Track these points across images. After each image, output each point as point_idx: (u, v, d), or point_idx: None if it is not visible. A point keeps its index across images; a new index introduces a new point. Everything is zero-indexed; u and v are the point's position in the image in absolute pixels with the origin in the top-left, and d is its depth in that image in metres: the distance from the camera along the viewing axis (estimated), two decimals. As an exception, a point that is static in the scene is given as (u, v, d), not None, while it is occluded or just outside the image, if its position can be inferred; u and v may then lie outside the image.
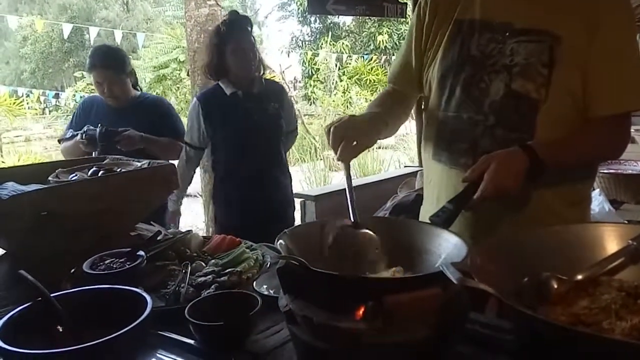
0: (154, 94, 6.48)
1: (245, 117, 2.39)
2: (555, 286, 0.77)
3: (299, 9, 15.11)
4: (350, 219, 1.03)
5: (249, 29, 2.41)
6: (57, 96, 12.60)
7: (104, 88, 2.45)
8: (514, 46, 1.16)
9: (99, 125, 2.31)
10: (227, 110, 2.39)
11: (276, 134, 2.52)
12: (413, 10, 2.06)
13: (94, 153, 2.26)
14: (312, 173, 6.75)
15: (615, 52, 1.13)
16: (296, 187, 6.82)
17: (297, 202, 3.17)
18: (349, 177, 1.10)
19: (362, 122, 1.19)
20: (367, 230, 1.01)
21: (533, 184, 1.11)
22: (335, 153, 1.12)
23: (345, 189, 1.06)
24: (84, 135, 2.32)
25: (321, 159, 8.89)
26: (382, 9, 3.32)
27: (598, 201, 2.18)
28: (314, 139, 9.90)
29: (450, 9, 1.27)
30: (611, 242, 0.84)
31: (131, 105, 2.52)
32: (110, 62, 2.45)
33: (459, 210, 1.06)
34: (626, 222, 2.08)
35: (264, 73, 2.51)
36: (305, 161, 8.90)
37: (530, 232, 0.87)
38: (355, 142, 1.12)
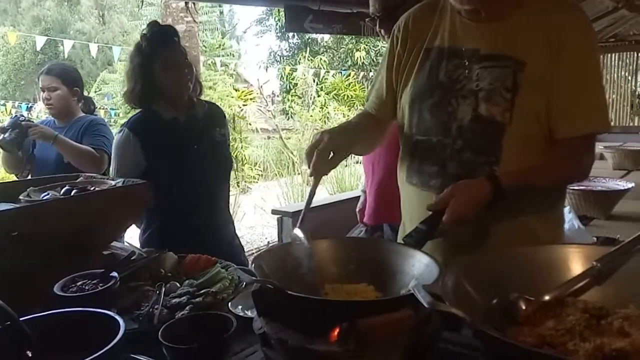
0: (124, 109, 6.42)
1: (189, 146, 2.04)
2: (523, 307, 0.79)
3: (277, 24, 15.21)
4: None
5: (177, 39, 2.05)
6: (29, 109, 12.36)
7: (45, 95, 2.53)
8: (480, 71, 1.20)
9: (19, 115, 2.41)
10: (167, 140, 2.01)
11: (224, 164, 2.21)
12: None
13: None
14: (289, 188, 6.75)
15: (577, 76, 1.17)
16: (274, 203, 6.83)
17: (274, 218, 3.19)
18: (312, 194, 1.12)
19: (337, 132, 1.20)
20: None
21: (491, 212, 1.13)
22: (309, 167, 1.12)
23: (319, 204, 1.07)
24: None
25: (299, 174, 8.91)
26: (358, 27, 3.37)
27: (568, 218, 2.23)
28: (292, 153, 9.93)
29: (420, 37, 1.31)
30: (577, 263, 0.87)
31: (72, 123, 2.56)
32: (58, 72, 2.54)
33: (431, 232, 1.09)
34: (595, 239, 2.13)
35: (200, 93, 2.18)
36: (282, 175, 8.92)
37: (500, 253, 0.89)
38: (330, 155, 1.13)
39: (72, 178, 1.69)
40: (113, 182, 1.58)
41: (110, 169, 2.07)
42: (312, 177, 1.14)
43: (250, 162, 10.06)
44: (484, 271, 0.85)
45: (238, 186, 8.99)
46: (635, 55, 8.46)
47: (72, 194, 1.48)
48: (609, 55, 8.48)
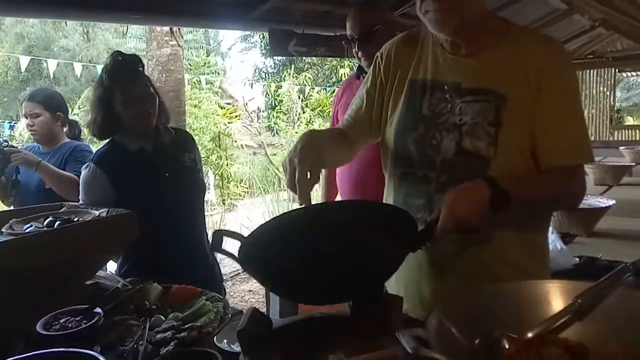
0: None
1: (159, 175, 2.00)
2: (507, 345, 0.80)
3: (262, 41, 15.29)
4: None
5: (140, 69, 2.00)
6: (12, 127, 12.22)
7: (29, 121, 2.52)
8: (463, 105, 1.21)
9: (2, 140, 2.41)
10: (135, 170, 1.97)
11: (196, 189, 2.15)
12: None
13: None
14: (275, 206, 6.73)
15: (558, 110, 1.18)
16: (259, 221, 6.78)
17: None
18: None
19: (307, 150, 1.09)
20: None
21: (498, 216, 1.10)
22: (294, 191, 1.05)
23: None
24: None
25: (285, 190, 8.91)
26: (342, 49, 3.38)
27: (551, 239, 2.25)
28: (278, 169, 9.93)
29: (403, 68, 1.32)
30: (558, 299, 0.88)
31: (56, 149, 2.55)
32: (40, 98, 2.53)
33: (428, 237, 1.07)
34: (577, 260, 2.15)
35: (166, 122, 2.12)
36: (268, 192, 8.89)
37: (483, 290, 0.90)
38: (309, 170, 1.05)
39: (56, 208, 1.67)
40: (97, 212, 1.56)
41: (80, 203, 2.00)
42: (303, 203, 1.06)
43: (236, 179, 10.03)
44: (467, 309, 0.86)
45: (224, 204, 8.96)
46: (613, 71, 8.70)
47: (55, 225, 1.46)
48: (588, 71, 8.68)
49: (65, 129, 2.63)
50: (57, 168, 2.42)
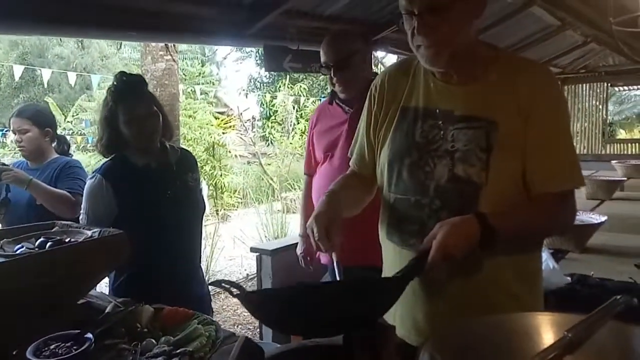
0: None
1: (162, 192, 2.04)
2: (497, 381, 0.80)
3: (257, 50, 15.34)
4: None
5: (144, 89, 2.07)
6: (4, 134, 12.16)
7: (17, 137, 2.51)
8: (455, 132, 1.23)
9: None
10: (140, 186, 2.02)
11: (197, 209, 2.19)
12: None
13: None
14: (268, 217, 6.69)
15: (548, 137, 1.20)
16: (252, 233, 6.76)
17: (253, 256, 3.15)
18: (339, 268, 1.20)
19: (322, 212, 1.25)
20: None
21: (486, 252, 1.15)
22: (319, 249, 1.22)
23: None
24: None
25: (279, 200, 8.90)
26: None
27: (543, 258, 2.25)
28: (272, 179, 9.93)
29: (396, 97, 1.34)
30: (549, 332, 0.89)
31: (45, 165, 2.54)
32: (29, 114, 2.52)
33: (419, 269, 1.11)
34: (569, 279, 2.16)
35: (170, 138, 2.20)
36: (262, 202, 8.88)
37: (472, 323, 0.91)
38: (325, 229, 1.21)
39: (47, 227, 1.66)
40: (89, 233, 1.56)
41: (81, 213, 2.05)
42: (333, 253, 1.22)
43: (230, 190, 10.02)
44: (458, 342, 0.86)
45: (217, 214, 8.93)
46: (605, 85, 8.78)
47: (47, 246, 1.45)
48: (580, 85, 8.77)
49: (54, 144, 2.61)
50: (48, 184, 2.39)
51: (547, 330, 0.89)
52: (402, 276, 1.09)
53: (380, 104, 1.37)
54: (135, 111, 1.99)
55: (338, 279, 1.21)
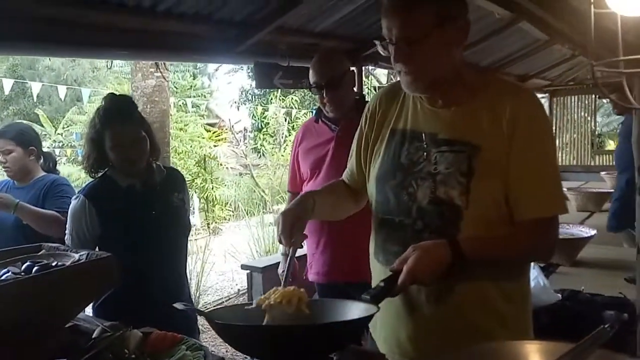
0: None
1: (146, 213, 2.04)
2: (486, 413, 0.80)
3: (248, 63, 15.36)
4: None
5: (132, 112, 2.07)
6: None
7: (1, 158, 2.49)
8: (438, 155, 1.25)
9: None
10: (123, 206, 2.02)
11: (182, 230, 2.18)
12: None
13: None
14: (259, 231, 6.65)
15: (531, 162, 1.20)
16: (243, 247, 6.72)
17: (244, 273, 3.14)
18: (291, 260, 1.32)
19: (292, 207, 1.31)
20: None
21: (454, 277, 1.17)
22: (280, 242, 1.29)
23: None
24: None
25: (270, 213, 8.88)
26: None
27: (533, 275, 2.26)
28: (264, 192, 9.92)
29: (386, 118, 1.37)
30: (538, 361, 0.89)
31: (32, 184, 2.52)
32: (12, 134, 2.50)
33: (390, 290, 1.15)
34: (560, 295, 2.17)
35: (157, 158, 2.17)
36: (254, 214, 8.85)
37: (462, 353, 0.90)
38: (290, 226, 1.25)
39: (34, 250, 1.64)
40: (77, 256, 1.54)
41: (66, 233, 2.05)
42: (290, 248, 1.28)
43: (221, 203, 9.99)
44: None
45: (209, 227, 8.89)
46: (593, 97, 8.87)
47: (33, 271, 1.43)
48: (569, 97, 8.88)
49: (40, 162, 2.59)
50: (35, 203, 2.37)
51: (535, 359, 0.89)
52: (371, 297, 1.13)
53: (372, 125, 1.39)
54: (122, 136, 1.99)
55: (287, 270, 1.36)
